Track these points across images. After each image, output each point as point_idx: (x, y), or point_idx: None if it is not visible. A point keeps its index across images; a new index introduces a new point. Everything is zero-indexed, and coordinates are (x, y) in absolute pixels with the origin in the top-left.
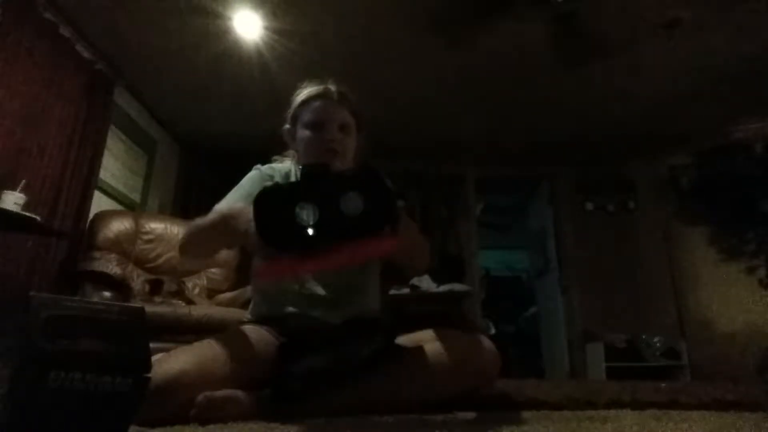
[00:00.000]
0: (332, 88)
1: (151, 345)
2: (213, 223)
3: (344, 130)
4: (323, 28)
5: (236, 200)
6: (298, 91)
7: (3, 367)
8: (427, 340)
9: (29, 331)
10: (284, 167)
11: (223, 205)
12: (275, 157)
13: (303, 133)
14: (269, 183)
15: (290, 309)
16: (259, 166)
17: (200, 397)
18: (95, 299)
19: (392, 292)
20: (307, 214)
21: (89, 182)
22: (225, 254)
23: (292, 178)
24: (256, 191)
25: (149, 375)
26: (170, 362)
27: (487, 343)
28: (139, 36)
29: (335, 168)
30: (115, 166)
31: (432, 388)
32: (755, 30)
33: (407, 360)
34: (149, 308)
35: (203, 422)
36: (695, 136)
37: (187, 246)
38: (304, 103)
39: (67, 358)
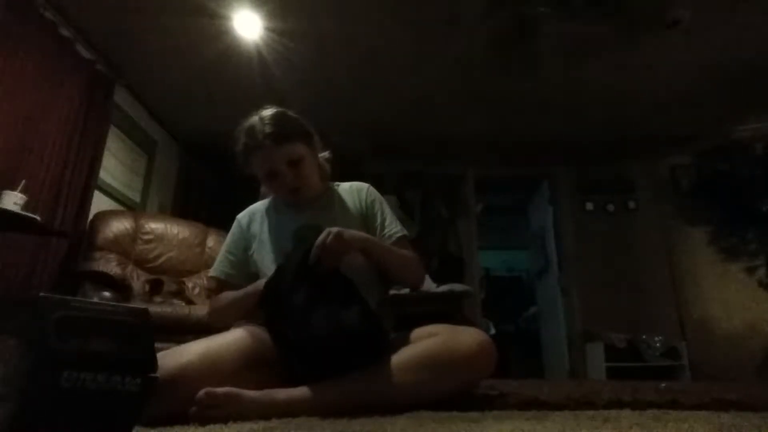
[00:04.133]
0: (267, 131)
1: None
2: (241, 300)
3: (295, 164)
4: (323, 28)
5: (222, 260)
6: (237, 136)
7: (6, 365)
8: (430, 334)
9: (42, 332)
10: (259, 206)
11: (216, 266)
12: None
13: (263, 181)
14: (248, 231)
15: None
16: (238, 217)
17: (201, 393)
18: (95, 299)
19: (392, 292)
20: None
21: (89, 182)
22: None
23: (271, 210)
24: (236, 248)
25: (156, 375)
26: (174, 357)
27: (482, 335)
28: (139, 36)
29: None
30: (115, 166)
31: (430, 382)
32: (755, 30)
33: (403, 354)
34: (149, 308)
35: (203, 422)
36: (695, 136)
37: (215, 317)
38: (246, 154)
39: (80, 359)
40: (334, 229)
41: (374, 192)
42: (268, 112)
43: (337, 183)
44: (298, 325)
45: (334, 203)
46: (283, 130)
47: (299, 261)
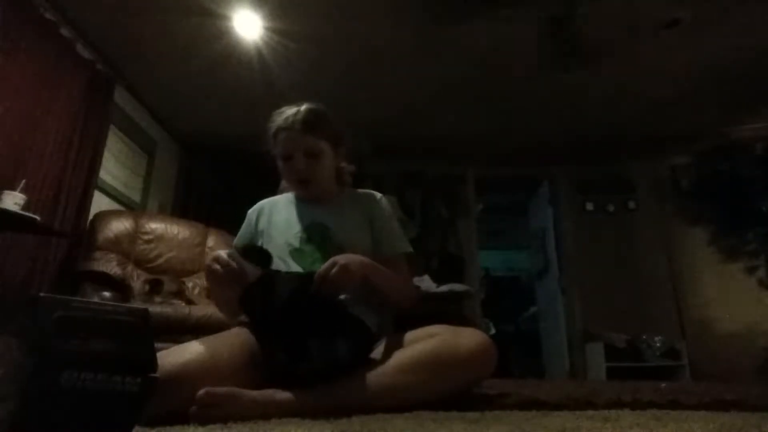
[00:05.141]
0: (298, 117)
1: None
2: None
3: (312, 156)
4: (323, 29)
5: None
6: (272, 116)
7: (6, 365)
8: (430, 334)
9: (42, 332)
10: (269, 201)
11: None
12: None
13: (279, 163)
14: (255, 227)
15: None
16: (249, 211)
17: (201, 392)
18: (95, 299)
19: None
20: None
21: (89, 182)
22: None
23: (280, 205)
24: (242, 244)
25: (156, 375)
26: (174, 356)
27: (482, 336)
28: (139, 36)
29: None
30: (115, 166)
31: (430, 382)
32: (755, 30)
33: (403, 354)
34: (149, 308)
35: (203, 421)
36: (695, 136)
37: (219, 309)
38: (275, 134)
39: (80, 359)
40: (341, 260)
41: (387, 204)
42: (309, 104)
43: (351, 189)
44: (291, 352)
45: (346, 206)
46: (313, 121)
47: (296, 287)
